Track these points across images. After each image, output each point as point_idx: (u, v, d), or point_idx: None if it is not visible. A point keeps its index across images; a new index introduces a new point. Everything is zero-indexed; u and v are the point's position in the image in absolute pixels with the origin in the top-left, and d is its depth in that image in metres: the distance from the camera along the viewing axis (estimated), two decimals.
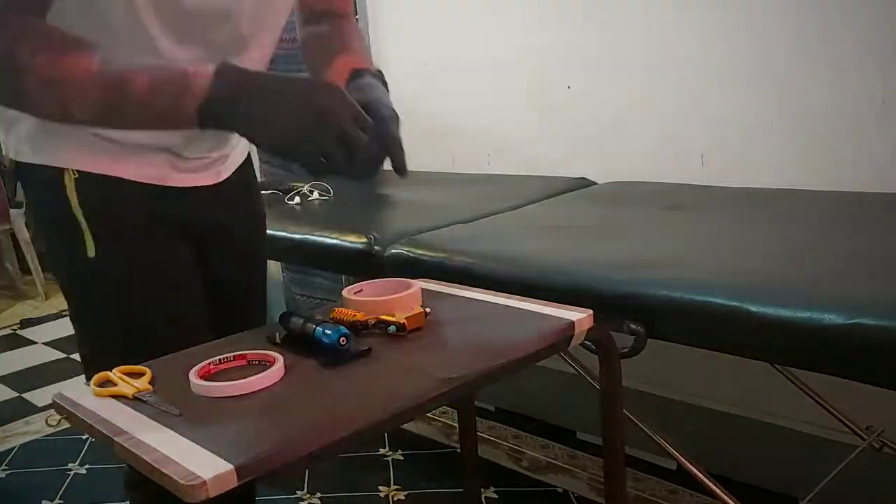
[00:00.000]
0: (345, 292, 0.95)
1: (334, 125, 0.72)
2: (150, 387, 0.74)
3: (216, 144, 0.97)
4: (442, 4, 2.06)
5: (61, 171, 0.88)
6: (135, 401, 0.71)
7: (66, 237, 0.90)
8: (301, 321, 0.84)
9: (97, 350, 0.94)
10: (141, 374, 0.76)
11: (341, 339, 0.79)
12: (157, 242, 0.93)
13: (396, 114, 0.84)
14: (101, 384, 0.75)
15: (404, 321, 0.86)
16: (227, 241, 1.04)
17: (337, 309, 0.91)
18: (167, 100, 0.72)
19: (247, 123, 0.73)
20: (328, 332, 0.79)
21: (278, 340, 0.85)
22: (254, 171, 1.11)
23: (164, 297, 0.94)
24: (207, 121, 0.72)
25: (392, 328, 0.86)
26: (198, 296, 0.98)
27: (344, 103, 0.73)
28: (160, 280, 0.94)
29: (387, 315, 0.87)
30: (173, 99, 0.72)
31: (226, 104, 0.72)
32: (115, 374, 0.76)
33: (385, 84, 0.92)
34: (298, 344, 0.83)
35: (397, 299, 0.90)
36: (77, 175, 0.88)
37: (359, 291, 0.96)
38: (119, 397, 0.73)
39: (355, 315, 0.88)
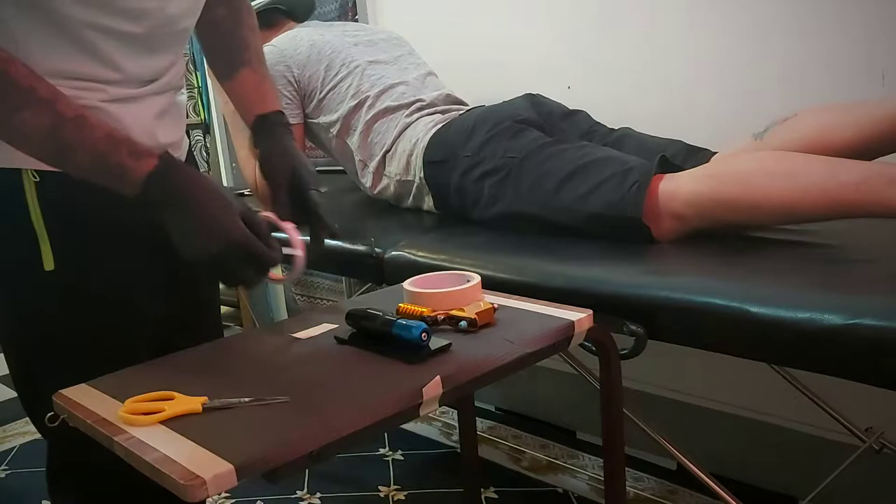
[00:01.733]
0: (406, 285, 0.96)
1: (244, 254, 0.77)
2: (206, 398, 0.70)
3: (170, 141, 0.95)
4: (442, 4, 2.06)
5: (19, 172, 0.82)
6: (207, 413, 0.68)
7: (15, 250, 0.85)
8: (373, 318, 0.84)
9: (41, 367, 0.88)
10: (171, 398, 0.71)
11: (422, 334, 0.78)
12: (116, 253, 0.90)
13: (314, 175, 0.96)
14: (142, 413, 0.68)
15: (475, 317, 0.85)
16: None
17: (401, 305, 0.91)
18: (107, 181, 0.76)
19: (170, 231, 0.78)
20: (408, 327, 0.79)
21: (346, 338, 0.85)
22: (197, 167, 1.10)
23: (120, 310, 0.90)
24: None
25: (463, 324, 0.85)
26: (152, 309, 0.95)
27: (254, 231, 0.78)
28: (119, 292, 0.90)
29: (456, 310, 0.87)
30: (111, 183, 0.76)
31: (154, 208, 0.77)
32: (150, 401, 0.70)
33: (287, 125, 1.02)
34: (369, 341, 0.83)
35: (461, 293, 0.91)
36: (37, 178, 0.83)
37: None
38: (184, 416, 0.68)
39: (423, 311, 0.88)
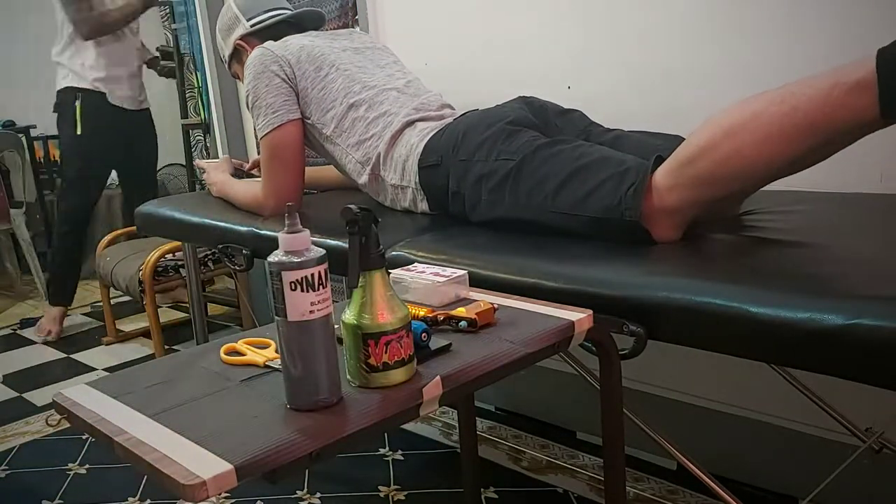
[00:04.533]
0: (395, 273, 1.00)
1: None
2: (277, 356, 0.75)
3: None
4: (442, 4, 2.06)
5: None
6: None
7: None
8: None
9: None
10: (266, 346, 0.84)
11: (423, 334, 0.78)
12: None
13: None
14: (230, 353, 0.83)
15: (475, 317, 0.85)
16: None
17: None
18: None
19: None
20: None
21: None
22: None
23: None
24: None
25: (463, 324, 0.85)
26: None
27: None
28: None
29: (456, 311, 0.87)
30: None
31: None
32: (240, 344, 0.85)
33: None
34: None
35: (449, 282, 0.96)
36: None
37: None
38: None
39: (425, 311, 0.88)
